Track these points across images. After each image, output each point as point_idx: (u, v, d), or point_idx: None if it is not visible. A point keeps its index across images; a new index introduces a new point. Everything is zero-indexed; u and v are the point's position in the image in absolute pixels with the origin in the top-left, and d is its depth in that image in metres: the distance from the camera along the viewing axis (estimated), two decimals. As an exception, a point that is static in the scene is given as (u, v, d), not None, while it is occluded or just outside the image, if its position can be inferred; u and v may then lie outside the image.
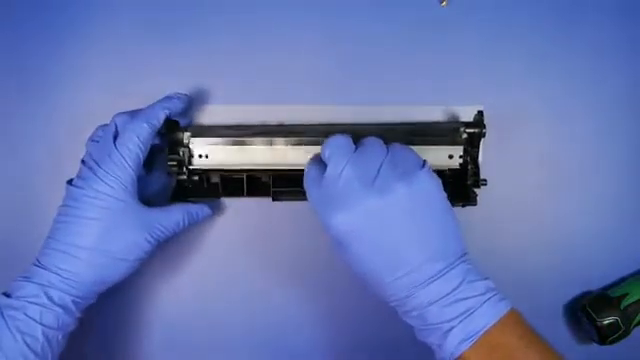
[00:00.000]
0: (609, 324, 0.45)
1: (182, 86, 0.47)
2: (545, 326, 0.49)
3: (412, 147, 0.45)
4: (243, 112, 0.48)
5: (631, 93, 0.48)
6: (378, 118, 0.47)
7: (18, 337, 0.36)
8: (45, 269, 0.38)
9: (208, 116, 0.48)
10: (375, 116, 0.47)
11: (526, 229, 0.48)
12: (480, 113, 0.45)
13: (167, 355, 0.49)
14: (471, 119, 0.46)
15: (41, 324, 0.37)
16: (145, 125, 0.41)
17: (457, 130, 0.44)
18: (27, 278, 0.38)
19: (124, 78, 0.48)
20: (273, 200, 0.45)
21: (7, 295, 0.38)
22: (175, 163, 0.44)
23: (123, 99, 0.47)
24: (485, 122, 0.45)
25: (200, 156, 0.45)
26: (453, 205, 0.45)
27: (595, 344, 0.47)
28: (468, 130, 0.44)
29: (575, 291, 0.49)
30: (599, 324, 0.45)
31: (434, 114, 0.48)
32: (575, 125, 0.49)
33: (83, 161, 0.41)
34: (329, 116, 0.47)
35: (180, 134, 0.45)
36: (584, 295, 0.49)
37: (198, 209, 0.45)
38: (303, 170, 0.41)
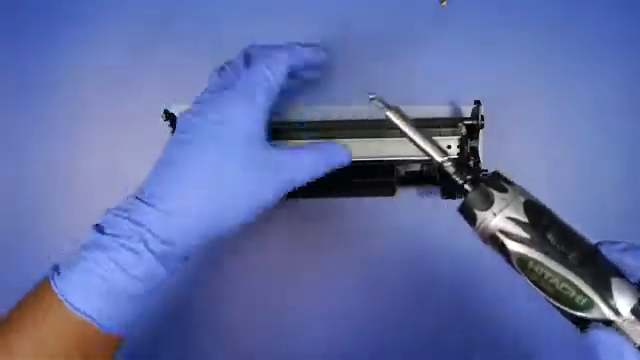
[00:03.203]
0: None
1: (181, 86, 0.47)
2: (544, 331, 0.50)
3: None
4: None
5: (632, 93, 0.48)
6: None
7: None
8: (148, 205, 0.32)
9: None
10: (375, 116, 0.47)
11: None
12: (477, 103, 0.44)
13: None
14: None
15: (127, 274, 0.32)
16: (286, 56, 0.35)
17: (455, 125, 0.45)
18: (125, 211, 0.32)
19: (123, 78, 0.48)
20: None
21: (100, 229, 0.32)
22: None
23: (121, 99, 0.48)
24: (485, 120, 0.45)
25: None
26: (455, 198, 0.45)
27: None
28: (466, 122, 0.44)
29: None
30: None
31: (434, 114, 0.48)
32: (576, 125, 0.49)
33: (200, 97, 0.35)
34: (329, 116, 0.47)
35: None
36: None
37: (334, 150, 0.37)
38: None
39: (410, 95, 0.48)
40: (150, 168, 0.45)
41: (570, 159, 0.48)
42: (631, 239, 0.48)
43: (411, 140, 0.33)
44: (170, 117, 0.45)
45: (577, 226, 0.48)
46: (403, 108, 0.48)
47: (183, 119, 0.35)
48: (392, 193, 0.45)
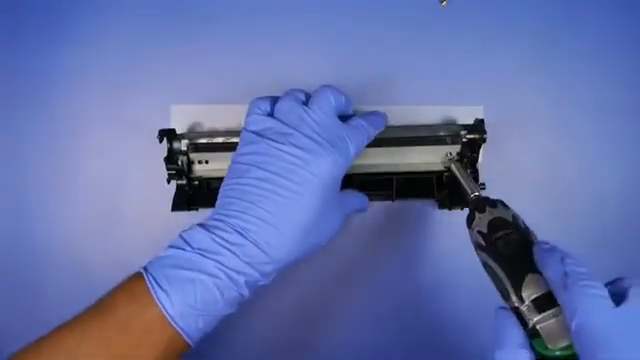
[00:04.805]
0: None
1: (180, 86, 0.48)
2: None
3: (412, 147, 0.45)
4: (242, 112, 0.48)
5: (632, 93, 0.48)
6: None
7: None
8: (250, 242, 0.34)
9: (207, 117, 0.48)
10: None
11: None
12: (481, 121, 0.45)
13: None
14: (471, 120, 0.46)
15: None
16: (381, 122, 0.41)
17: (457, 133, 0.44)
18: (226, 242, 0.34)
19: (122, 79, 0.48)
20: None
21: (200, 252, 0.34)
22: (174, 172, 0.44)
23: (121, 99, 0.48)
24: (484, 121, 0.45)
25: (200, 162, 0.45)
26: (451, 209, 0.46)
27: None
28: (469, 136, 0.44)
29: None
30: None
31: (434, 114, 0.48)
32: (576, 125, 0.49)
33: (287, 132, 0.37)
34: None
35: (178, 143, 0.44)
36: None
37: (363, 198, 0.43)
38: None
39: (410, 95, 0.48)
40: (150, 168, 0.46)
41: (570, 159, 0.48)
42: (631, 238, 0.49)
43: (458, 180, 0.42)
44: (166, 134, 0.44)
45: (577, 225, 0.49)
46: (403, 108, 0.49)
47: (284, 161, 0.36)
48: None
